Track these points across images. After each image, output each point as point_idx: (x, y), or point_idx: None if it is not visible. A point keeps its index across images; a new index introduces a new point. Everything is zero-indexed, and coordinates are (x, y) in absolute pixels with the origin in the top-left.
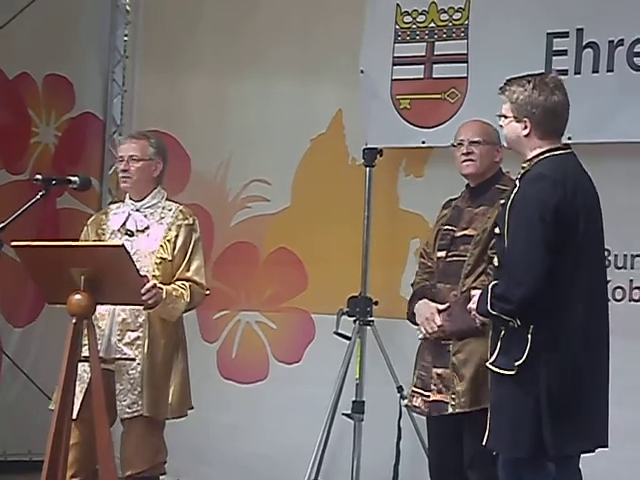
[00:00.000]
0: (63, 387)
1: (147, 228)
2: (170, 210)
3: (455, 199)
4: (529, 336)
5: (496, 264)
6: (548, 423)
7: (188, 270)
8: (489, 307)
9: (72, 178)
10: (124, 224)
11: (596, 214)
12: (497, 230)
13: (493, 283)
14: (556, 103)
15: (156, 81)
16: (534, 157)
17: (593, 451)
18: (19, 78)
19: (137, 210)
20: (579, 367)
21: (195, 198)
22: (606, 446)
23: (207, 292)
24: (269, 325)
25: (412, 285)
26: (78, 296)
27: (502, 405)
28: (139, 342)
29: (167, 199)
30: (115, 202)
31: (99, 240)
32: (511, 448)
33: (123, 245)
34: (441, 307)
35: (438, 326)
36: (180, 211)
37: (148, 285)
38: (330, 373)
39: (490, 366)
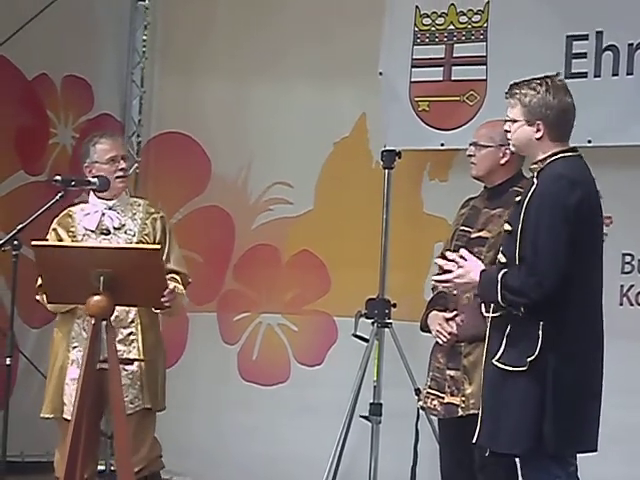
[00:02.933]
0: (81, 388)
1: (123, 225)
2: (139, 205)
3: (474, 198)
4: (540, 332)
5: (503, 260)
6: (551, 421)
7: (169, 261)
8: (500, 298)
9: (91, 179)
10: (99, 224)
11: (602, 218)
12: (507, 227)
13: (503, 272)
14: (568, 104)
15: (175, 83)
16: (546, 157)
17: (594, 451)
18: (38, 79)
19: (110, 208)
20: (587, 367)
21: (215, 200)
22: (595, 450)
23: (190, 280)
24: (291, 327)
25: (432, 289)
26: (97, 297)
27: (507, 401)
28: (133, 337)
29: (130, 195)
30: (75, 204)
31: (73, 242)
32: (510, 444)
33: (160, 248)
34: (448, 315)
35: (449, 333)
36: (148, 205)
37: (169, 288)
38: (352, 376)
39: (496, 363)
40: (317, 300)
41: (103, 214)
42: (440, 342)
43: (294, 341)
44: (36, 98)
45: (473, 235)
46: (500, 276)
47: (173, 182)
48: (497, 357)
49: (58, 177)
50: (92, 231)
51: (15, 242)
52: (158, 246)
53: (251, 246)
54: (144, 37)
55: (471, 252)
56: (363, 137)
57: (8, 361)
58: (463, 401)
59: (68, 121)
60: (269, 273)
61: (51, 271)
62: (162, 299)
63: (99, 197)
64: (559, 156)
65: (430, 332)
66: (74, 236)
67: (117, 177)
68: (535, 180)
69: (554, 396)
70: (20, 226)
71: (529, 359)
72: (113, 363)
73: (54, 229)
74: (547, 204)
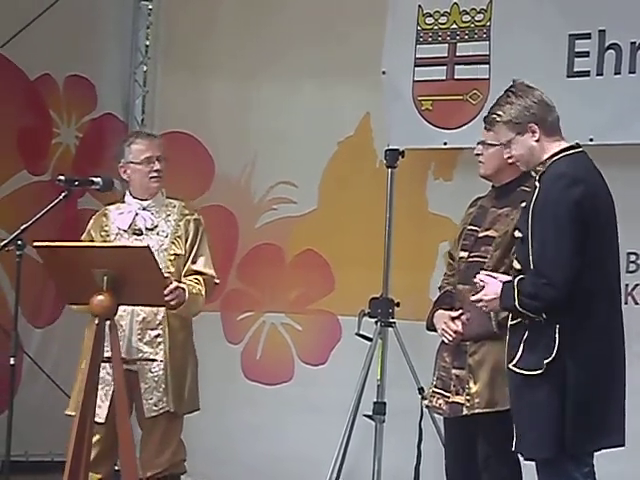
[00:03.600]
0: (85, 388)
1: (156, 226)
2: (174, 207)
3: (482, 197)
4: (557, 335)
5: (518, 267)
6: (572, 422)
7: (195, 262)
8: (517, 304)
9: (95, 179)
10: (131, 224)
11: (612, 214)
12: (518, 234)
13: (519, 278)
14: (541, 95)
15: (178, 82)
16: (548, 159)
17: (610, 447)
18: (40, 79)
19: (144, 209)
20: (603, 366)
21: (219, 199)
22: (623, 445)
23: (217, 281)
24: (294, 327)
25: (439, 288)
26: (100, 297)
27: (528, 406)
28: (159, 340)
29: (167, 197)
30: (112, 203)
31: (105, 241)
32: (536, 449)
33: (148, 246)
34: (454, 314)
35: (455, 332)
36: (183, 207)
37: (171, 286)
38: (356, 375)
39: (513, 368)
40: (321, 299)
41: (136, 214)
42: (446, 341)
43: (298, 340)
44: (39, 98)
45: (480, 234)
46: (516, 282)
47: (176, 182)
48: (514, 362)
49: (61, 177)
50: (125, 231)
51: (19, 242)
52: (146, 244)
53: (255, 245)
54: (147, 37)
55: (478, 252)
56: (367, 136)
57: (12, 361)
58: (468, 400)
59: (71, 121)
60: (273, 272)
61: (59, 272)
62: (166, 298)
63: (134, 197)
64: (560, 155)
65: (436, 331)
66: (107, 235)
67: (151, 177)
68: (537, 184)
69: (574, 397)
70: (24, 226)
71: (546, 361)
72: (117, 363)
73: (88, 230)
74: (550, 204)
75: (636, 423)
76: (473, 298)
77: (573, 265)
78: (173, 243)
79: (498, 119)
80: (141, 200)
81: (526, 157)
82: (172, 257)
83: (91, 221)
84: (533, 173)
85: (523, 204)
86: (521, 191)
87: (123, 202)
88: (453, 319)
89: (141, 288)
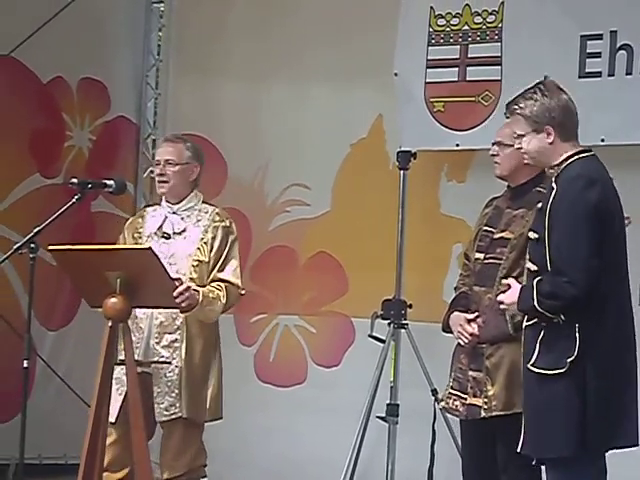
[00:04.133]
0: (99, 390)
1: (184, 231)
2: (206, 213)
3: (497, 198)
4: (577, 334)
5: (533, 268)
6: (592, 420)
7: (223, 270)
8: (536, 303)
9: (108, 182)
10: (160, 227)
11: (622, 215)
12: (532, 235)
13: (538, 279)
14: (567, 101)
15: (190, 84)
16: (562, 161)
17: (626, 447)
18: (53, 82)
19: (174, 213)
20: (620, 365)
21: (232, 202)
22: (637, 444)
23: (242, 292)
24: (308, 329)
25: (455, 289)
26: (114, 299)
27: (548, 405)
28: (176, 344)
29: (203, 202)
30: (151, 205)
31: (136, 243)
32: (560, 448)
33: (150, 248)
34: (470, 316)
35: (471, 334)
36: (216, 213)
37: (181, 288)
38: (369, 377)
39: (532, 368)
40: (334, 301)
41: (166, 217)
42: (462, 343)
43: (311, 342)
44: (51, 101)
45: (496, 236)
46: (535, 283)
47: None
48: (532, 362)
49: (74, 180)
50: (155, 233)
51: (32, 245)
52: (148, 245)
53: (268, 248)
54: (159, 39)
55: (493, 253)
56: (380, 138)
57: (25, 364)
58: (485, 402)
59: (84, 124)
60: (286, 275)
61: (76, 275)
62: (176, 300)
63: (167, 200)
64: (575, 158)
65: (452, 333)
66: (140, 237)
67: (157, 182)
68: (554, 185)
69: (594, 396)
70: (37, 229)
71: (569, 360)
72: (130, 366)
73: (122, 231)
74: (567, 205)
75: None
76: (499, 298)
77: (592, 265)
78: (198, 249)
79: (519, 111)
80: (172, 204)
81: (537, 155)
82: (195, 263)
83: (128, 221)
84: (548, 174)
85: (539, 205)
86: (537, 192)
87: (160, 205)
88: (469, 321)
89: (151, 290)
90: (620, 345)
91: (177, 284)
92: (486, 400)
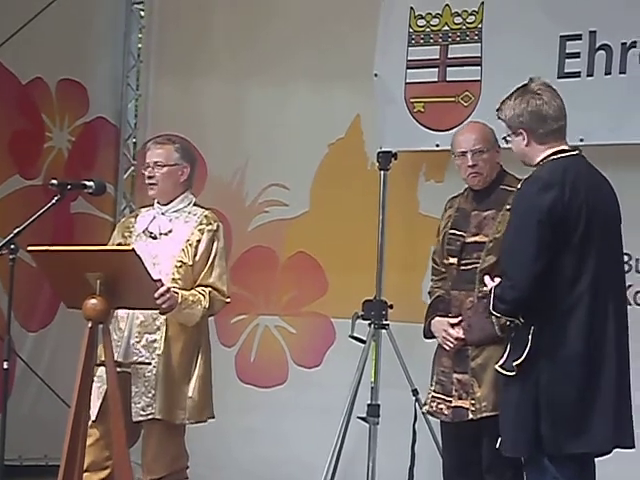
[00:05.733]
0: (79, 391)
1: (170, 231)
2: (195, 215)
3: (456, 197)
4: (529, 337)
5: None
6: (546, 423)
7: (210, 276)
8: (491, 307)
9: (87, 183)
10: (147, 227)
11: (608, 214)
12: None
13: (496, 283)
14: (538, 106)
15: (170, 86)
16: (538, 163)
17: (601, 455)
18: (33, 83)
19: (162, 214)
20: (580, 369)
21: (211, 202)
22: (629, 447)
23: (228, 300)
24: (288, 329)
25: (429, 293)
26: (94, 300)
27: (505, 406)
28: (156, 345)
29: (195, 204)
30: (146, 206)
31: (124, 243)
32: (513, 448)
33: (133, 249)
34: (453, 321)
35: (456, 339)
36: (205, 216)
37: (162, 289)
38: (350, 377)
39: (498, 368)
40: (314, 302)
41: (154, 217)
42: (447, 348)
43: (292, 343)
44: (31, 102)
45: (468, 240)
46: (494, 286)
47: None
48: (500, 363)
49: (54, 181)
50: (143, 233)
51: (12, 246)
52: (131, 247)
53: (248, 248)
54: (139, 40)
55: (470, 258)
56: (358, 138)
57: (5, 365)
58: (473, 404)
59: (64, 125)
60: (266, 275)
61: (55, 276)
62: (157, 301)
63: (158, 201)
64: (548, 159)
65: (434, 338)
66: (130, 236)
67: (146, 184)
68: (520, 185)
69: (546, 399)
70: (17, 230)
71: (515, 363)
72: (110, 366)
73: (113, 231)
74: (519, 207)
75: None
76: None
77: (536, 268)
78: (183, 250)
79: (499, 114)
80: (161, 205)
81: (519, 156)
82: (178, 264)
83: (121, 220)
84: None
85: (508, 206)
86: (502, 190)
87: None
88: (453, 326)
89: (133, 291)
90: (586, 351)
91: (158, 285)
92: (474, 402)
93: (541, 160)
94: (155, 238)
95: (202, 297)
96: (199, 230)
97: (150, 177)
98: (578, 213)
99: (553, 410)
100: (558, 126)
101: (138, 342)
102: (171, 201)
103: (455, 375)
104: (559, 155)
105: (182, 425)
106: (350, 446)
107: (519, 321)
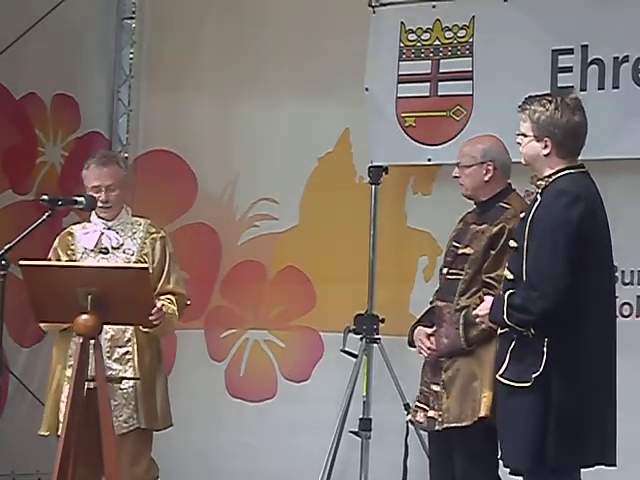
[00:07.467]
0: (70, 407)
1: (122, 245)
2: (140, 225)
3: (470, 212)
4: (545, 349)
5: (510, 277)
6: (553, 437)
7: (169, 283)
8: (505, 316)
9: (78, 199)
10: (97, 243)
11: (608, 232)
12: (512, 243)
13: (509, 292)
14: (577, 124)
15: (162, 100)
16: (553, 174)
17: (592, 466)
18: (26, 98)
19: (109, 228)
20: (591, 383)
21: (202, 217)
22: (612, 464)
23: (188, 302)
24: (277, 344)
25: (430, 302)
26: (85, 316)
27: (512, 417)
28: (128, 357)
29: (133, 215)
30: (78, 223)
31: (71, 260)
32: (514, 459)
33: (147, 268)
34: (429, 331)
35: (428, 349)
36: (149, 224)
37: (157, 307)
38: (339, 391)
39: (500, 378)
40: (303, 316)
41: (102, 233)
42: (422, 357)
43: (281, 357)
44: (24, 117)
45: (459, 251)
46: (507, 295)
47: (160, 199)
48: (500, 372)
49: (45, 197)
50: (92, 250)
51: (3, 262)
52: (146, 265)
53: (237, 262)
54: (130, 55)
55: (456, 269)
56: (347, 152)
57: None
58: (440, 415)
59: (57, 140)
60: (255, 289)
61: (39, 291)
62: (150, 317)
63: (99, 216)
64: (564, 173)
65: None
66: (73, 254)
67: (99, 207)
68: (539, 197)
69: (556, 412)
70: (8, 245)
71: (534, 375)
72: (101, 382)
73: (54, 248)
74: (549, 220)
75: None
76: (474, 312)
77: (566, 281)
78: (139, 261)
79: (528, 112)
80: (106, 220)
81: (530, 159)
82: None
83: (57, 239)
84: (535, 187)
85: (522, 214)
86: (499, 207)
87: (89, 222)
88: (428, 336)
89: (128, 308)
90: (593, 366)
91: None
92: (440, 412)
93: (555, 172)
94: (107, 253)
95: (174, 307)
96: (152, 239)
97: (105, 202)
98: (598, 230)
99: (564, 425)
100: (581, 145)
101: (109, 357)
102: (116, 216)
103: (432, 386)
104: (573, 170)
105: (152, 435)
106: (342, 460)
107: (530, 333)
